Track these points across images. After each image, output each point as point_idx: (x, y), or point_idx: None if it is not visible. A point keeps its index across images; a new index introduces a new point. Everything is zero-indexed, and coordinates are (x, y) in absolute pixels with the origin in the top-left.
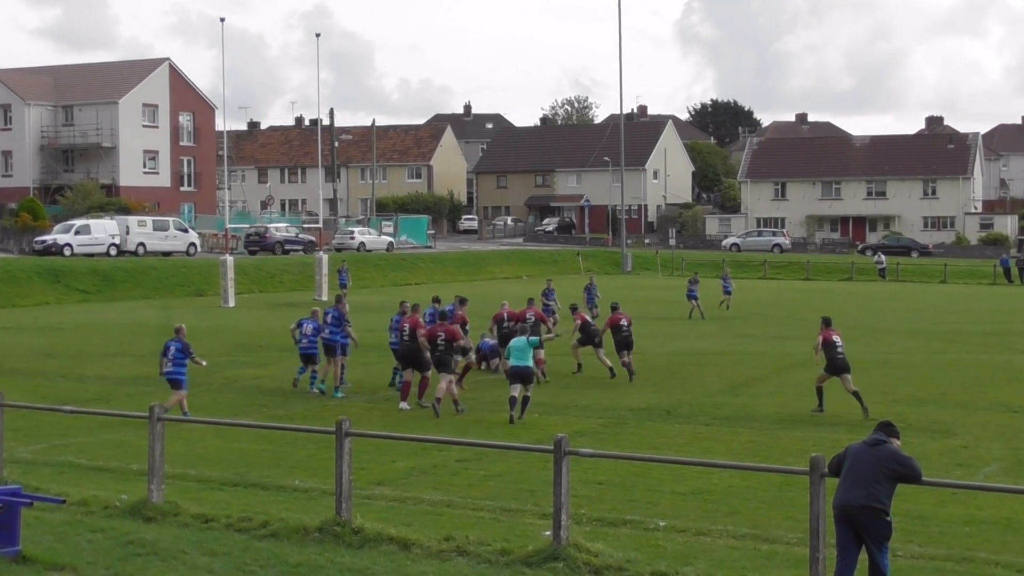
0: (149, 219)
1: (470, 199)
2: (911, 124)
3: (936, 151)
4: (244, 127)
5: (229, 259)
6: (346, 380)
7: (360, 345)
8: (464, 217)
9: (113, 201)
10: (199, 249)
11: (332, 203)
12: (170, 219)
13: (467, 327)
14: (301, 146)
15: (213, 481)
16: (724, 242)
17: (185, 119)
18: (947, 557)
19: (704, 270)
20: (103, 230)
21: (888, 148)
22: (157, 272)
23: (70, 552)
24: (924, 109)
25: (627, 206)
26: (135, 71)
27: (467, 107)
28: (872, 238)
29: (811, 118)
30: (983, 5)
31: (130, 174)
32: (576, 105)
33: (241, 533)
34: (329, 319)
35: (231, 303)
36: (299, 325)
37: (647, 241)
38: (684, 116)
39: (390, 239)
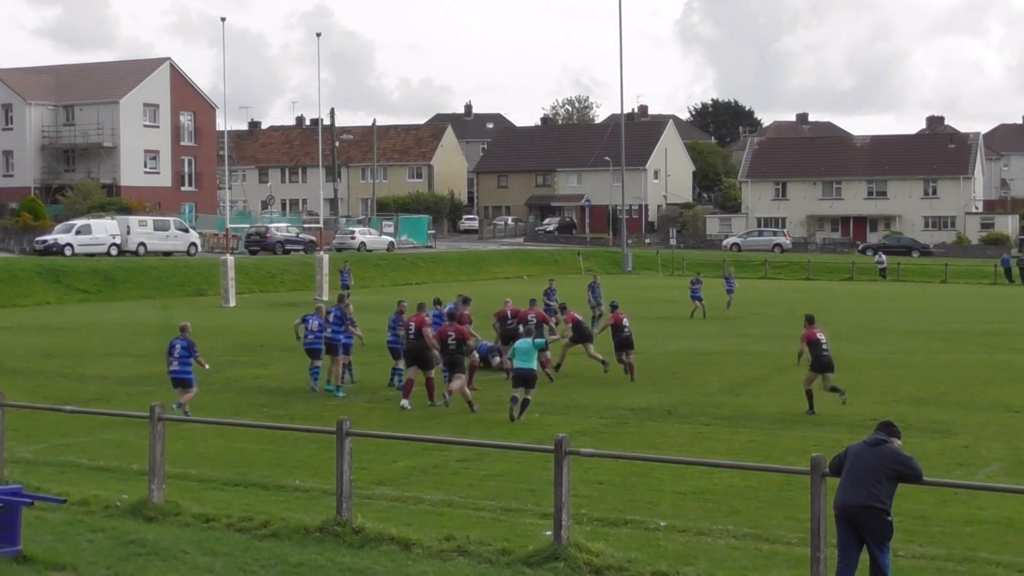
0: (150, 219)
1: (471, 199)
2: (912, 124)
3: (937, 151)
4: (245, 127)
5: (230, 259)
6: (355, 378)
7: (366, 344)
8: (465, 217)
9: (114, 201)
10: (200, 249)
11: (333, 203)
12: (171, 219)
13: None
14: (302, 146)
15: (214, 481)
16: (725, 242)
17: (186, 119)
18: (948, 557)
19: (705, 270)
20: (104, 230)
21: (889, 148)
22: (158, 272)
23: (71, 552)
24: (925, 109)
25: (628, 206)
26: (136, 71)
27: (468, 107)
28: (873, 238)
29: (812, 118)
30: (983, 5)
31: (131, 174)
32: (577, 105)
33: (242, 533)
34: (331, 318)
35: (232, 303)
36: (304, 321)
37: (648, 241)
38: (685, 116)
39: (391, 239)
